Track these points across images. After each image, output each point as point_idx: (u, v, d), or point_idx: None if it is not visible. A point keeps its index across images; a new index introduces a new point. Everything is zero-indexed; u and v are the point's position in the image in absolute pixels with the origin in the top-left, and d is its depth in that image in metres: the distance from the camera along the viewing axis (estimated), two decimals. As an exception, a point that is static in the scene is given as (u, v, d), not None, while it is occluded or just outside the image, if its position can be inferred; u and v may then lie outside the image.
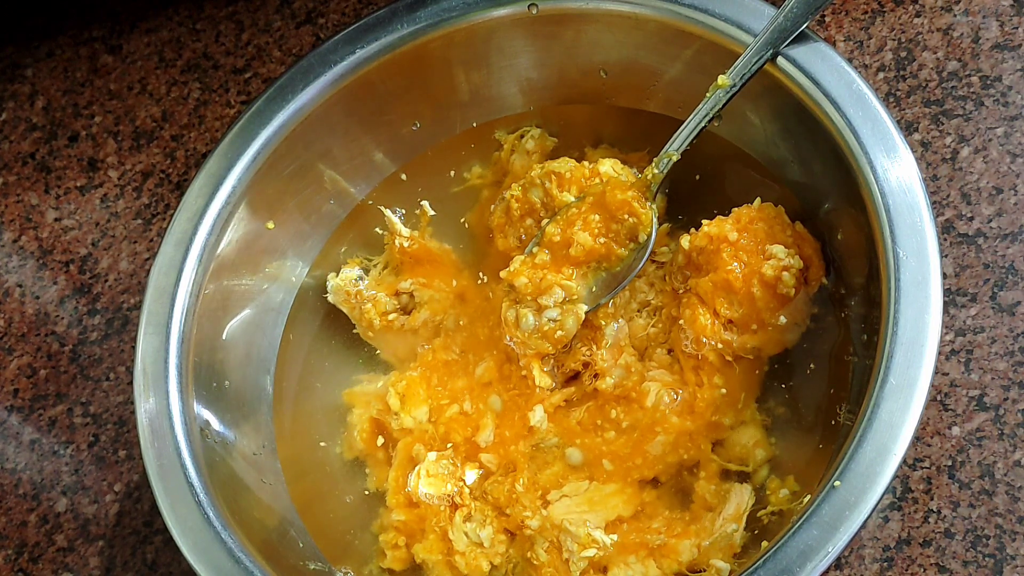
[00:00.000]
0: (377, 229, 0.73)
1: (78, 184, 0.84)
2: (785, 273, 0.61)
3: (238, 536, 0.59)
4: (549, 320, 0.65)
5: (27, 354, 0.79)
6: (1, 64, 0.90)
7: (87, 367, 0.78)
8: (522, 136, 0.73)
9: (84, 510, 0.74)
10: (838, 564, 0.62)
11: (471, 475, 0.66)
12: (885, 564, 0.62)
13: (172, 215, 0.66)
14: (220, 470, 0.63)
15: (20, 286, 0.82)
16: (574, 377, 0.67)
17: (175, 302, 0.64)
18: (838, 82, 0.60)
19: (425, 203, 0.72)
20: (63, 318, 0.80)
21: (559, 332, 0.65)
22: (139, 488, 0.74)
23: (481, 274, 0.70)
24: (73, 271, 0.81)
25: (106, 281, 0.80)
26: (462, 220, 0.73)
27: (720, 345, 0.63)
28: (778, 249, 0.62)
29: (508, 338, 0.67)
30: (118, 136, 0.85)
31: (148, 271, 0.65)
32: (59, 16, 0.90)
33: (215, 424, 0.65)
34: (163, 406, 0.62)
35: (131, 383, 0.68)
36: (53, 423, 0.77)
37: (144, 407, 0.62)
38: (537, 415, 0.65)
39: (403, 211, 0.74)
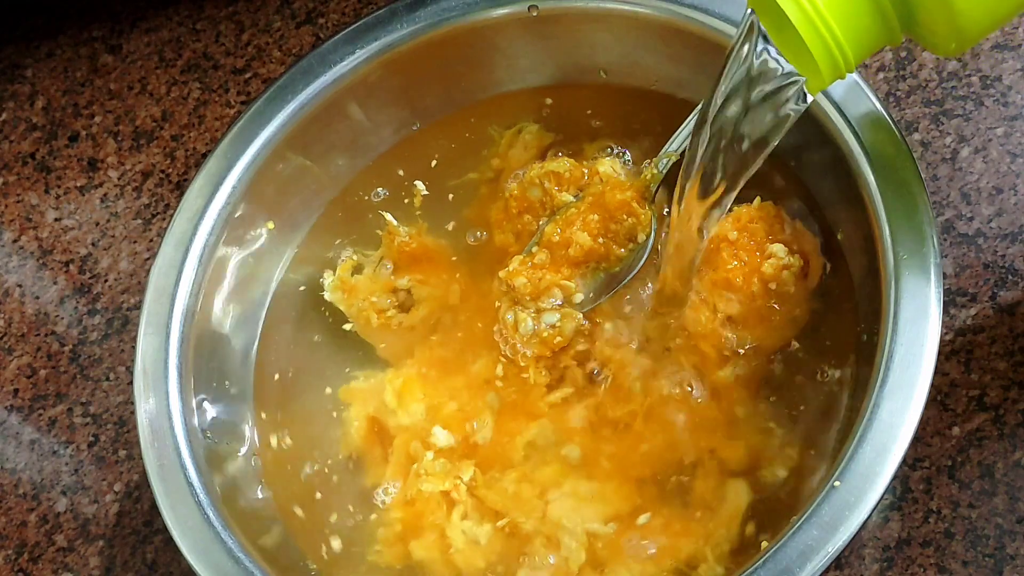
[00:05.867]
0: (377, 230, 0.73)
1: (78, 184, 0.84)
2: (785, 272, 0.61)
3: (238, 536, 0.59)
4: (548, 326, 0.65)
5: (27, 354, 0.79)
6: (1, 64, 0.90)
7: (87, 367, 0.78)
8: (519, 131, 0.73)
9: (84, 510, 0.74)
10: (838, 564, 0.62)
11: (468, 472, 0.65)
12: (885, 564, 0.62)
13: (172, 215, 0.66)
14: (220, 470, 0.63)
15: (20, 286, 0.82)
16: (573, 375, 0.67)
17: (175, 302, 0.64)
18: (838, 82, 0.60)
19: (419, 183, 0.72)
20: (63, 318, 0.80)
21: (558, 338, 0.65)
22: (139, 488, 0.74)
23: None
24: (73, 271, 0.81)
25: (106, 281, 0.80)
26: (460, 217, 0.73)
27: (719, 343, 0.63)
28: (778, 248, 0.62)
29: (505, 340, 0.67)
30: (118, 136, 0.85)
31: (148, 271, 0.65)
32: (59, 16, 0.90)
33: (215, 424, 0.65)
34: (163, 406, 0.62)
35: (131, 383, 0.67)
36: (53, 423, 0.77)
37: (144, 407, 0.62)
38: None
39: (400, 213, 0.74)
